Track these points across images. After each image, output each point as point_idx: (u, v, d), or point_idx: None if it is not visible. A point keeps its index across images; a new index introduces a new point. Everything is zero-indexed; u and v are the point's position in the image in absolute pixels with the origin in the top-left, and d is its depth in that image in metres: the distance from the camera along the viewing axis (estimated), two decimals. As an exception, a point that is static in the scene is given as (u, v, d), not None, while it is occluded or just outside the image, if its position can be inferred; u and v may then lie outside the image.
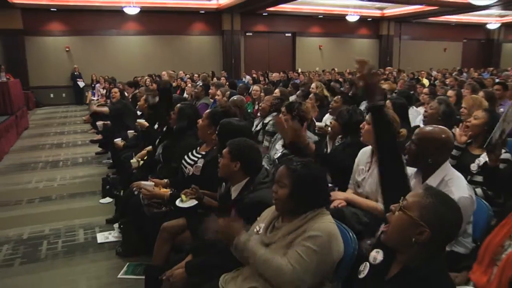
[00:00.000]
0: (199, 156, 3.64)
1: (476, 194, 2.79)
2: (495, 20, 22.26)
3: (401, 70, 16.51)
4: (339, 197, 3.02)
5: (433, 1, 15.42)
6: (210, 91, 7.72)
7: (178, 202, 3.19)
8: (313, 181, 2.22)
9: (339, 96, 5.85)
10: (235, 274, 2.34)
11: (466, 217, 2.46)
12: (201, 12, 18.18)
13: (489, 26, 23.30)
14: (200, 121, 3.78)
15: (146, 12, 17.19)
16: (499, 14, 21.24)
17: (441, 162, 2.60)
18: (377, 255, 1.83)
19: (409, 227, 1.64)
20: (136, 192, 3.73)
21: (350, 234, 2.40)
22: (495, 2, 12.87)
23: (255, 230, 2.40)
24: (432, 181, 2.56)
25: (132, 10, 16.19)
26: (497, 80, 10.68)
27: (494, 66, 22.14)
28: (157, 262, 3.26)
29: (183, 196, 3.19)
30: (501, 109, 5.79)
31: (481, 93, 5.71)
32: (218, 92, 6.91)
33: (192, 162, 3.61)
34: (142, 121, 5.61)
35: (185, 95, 9.61)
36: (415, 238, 1.63)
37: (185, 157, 3.73)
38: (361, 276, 1.84)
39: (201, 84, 8.69)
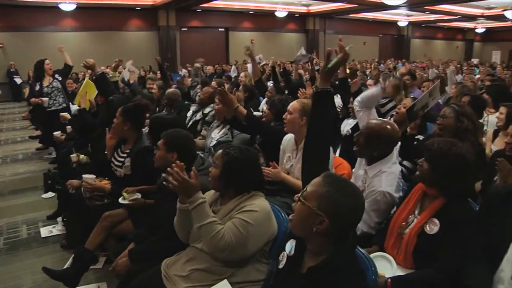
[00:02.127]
0: (124, 155, 3.52)
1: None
2: (404, 18, 23.32)
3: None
4: (270, 176, 2.99)
5: (352, -1, 15.90)
6: (148, 84, 7.53)
7: (121, 200, 3.12)
8: (242, 164, 2.23)
9: (273, 86, 5.95)
10: (177, 257, 2.32)
11: (386, 208, 2.56)
12: (137, 8, 17.68)
13: (399, 24, 24.42)
14: (114, 120, 3.60)
15: (82, 9, 16.43)
16: (407, 13, 22.26)
17: (384, 155, 2.68)
18: (291, 246, 1.78)
19: (309, 217, 1.57)
20: (71, 191, 3.60)
21: (282, 214, 2.41)
22: (403, 3, 13.53)
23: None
24: (371, 170, 2.65)
25: (68, 7, 15.41)
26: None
27: (405, 58, 23.27)
28: (89, 247, 3.16)
29: (124, 194, 3.12)
30: (412, 95, 6.08)
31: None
32: (154, 86, 6.75)
33: (120, 164, 3.50)
34: (64, 114, 5.38)
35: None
36: (316, 228, 1.56)
37: (112, 159, 3.60)
38: (280, 266, 1.80)
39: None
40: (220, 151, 2.32)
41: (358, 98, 3.15)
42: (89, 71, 5.29)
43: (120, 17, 17.87)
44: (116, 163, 3.56)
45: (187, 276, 2.18)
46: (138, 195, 3.14)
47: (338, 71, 3.55)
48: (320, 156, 1.99)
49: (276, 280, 1.88)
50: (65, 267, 3.32)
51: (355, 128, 3.78)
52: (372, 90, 3.16)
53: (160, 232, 2.62)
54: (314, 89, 2.06)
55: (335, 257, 1.59)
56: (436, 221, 2.14)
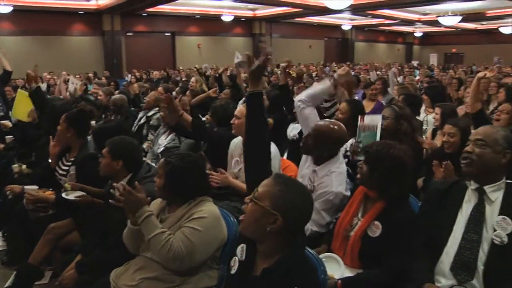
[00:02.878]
0: (69, 164, 3.41)
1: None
2: (348, 22, 23.99)
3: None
4: (216, 181, 3.00)
5: (297, 3, 16.12)
6: (92, 90, 7.30)
7: (64, 195, 2.98)
8: (185, 171, 2.22)
9: (229, 90, 5.96)
10: (126, 267, 2.28)
11: (338, 207, 2.62)
12: (80, 12, 17.07)
13: (343, 27, 25.10)
14: (58, 127, 3.50)
15: (20, 12, 15.59)
16: (350, 18, 22.92)
17: (333, 154, 2.73)
18: (242, 251, 1.77)
19: (263, 217, 1.59)
20: (10, 196, 3.43)
21: (231, 218, 2.43)
22: (346, 8, 13.90)
23: (143, 224, 2.34)
24: (321, 171, 2.69)
25: (3, 9, 14.65)
26: (352, 73, 11.50)
27: (350, 61, 23.97)
28: (33, 261, 3.02)
29: (66, 185, 3.00)
30: (356, 97, 6.26)
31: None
32: (100, 92, 6.58)
33: (65, 172, 3.39)
34: (5, 122, 5.15)
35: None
36: (270, 227, 1.59)
37: (56, 168, 3.48)
38: (232, 272, 1.79)
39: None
40: (162, 160, 2.31)
41: (303, 95, 3.16)
42: (27, 81, 5.06)
43: (62, 21, 17.16)
44: (61, 172, 3.44)
45: (137, 285, 2.15)
46: (85, 193, 3.01)
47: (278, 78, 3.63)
48: (261, 158, 2.00)
49: (228, 285, 1.88)
50: (6, 285, 3.14)
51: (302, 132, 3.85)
52: (321, 86, 3.17)
53: (107, 242, 2.56)
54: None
55: (288, 256, 1.62)
56: (378, 224, 2.20)
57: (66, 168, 3.41)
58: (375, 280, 2.14)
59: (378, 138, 3.02)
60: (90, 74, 12.01)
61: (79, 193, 3.00)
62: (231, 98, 6.10)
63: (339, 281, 2.12)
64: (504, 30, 22.09)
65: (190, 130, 3.44)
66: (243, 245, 1.77)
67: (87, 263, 2.55)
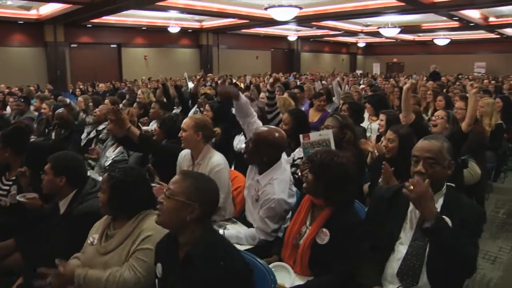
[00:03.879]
0: (10, 183, 3.26)
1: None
2: (294, 33, 24.41)
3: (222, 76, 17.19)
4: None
5: (244, 15, 16.23)
6: (34, 104, 6.98)
7: (18, 197, 2.87)
8: (129, 185, 2.18)
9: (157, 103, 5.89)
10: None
11: (282, 214, 2.66)
12: (19, 22, 16.32)
13: (289, 38, 25.49)
14: None
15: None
16: (296, 29, 23.33)
17: (273, 161, 2.74)
18: (158, 269, 1.92)
19: (181, 209, 1.77)
20: None
21: None
22: (291, 19, 14.15)
23: (89, 241, 2.27)
24: (263, 179, 2.70)
25: None
26: (298, 83, 11.76)
27: (296, 71, 24.41)
28: None
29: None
30: (302, 108, 6.38)
31: (286, 94, 6.22)
32: (44, 105, 6.31)
33: (5, 192, 3.23)
34: None
35: (7, 109, 8.56)
36: (189, 217, 1.77)
37: None
38: (159, 275, 1.92)
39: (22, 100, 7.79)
40: (105, 175, 2.25)
41: (234, 112, 3.22)
42: None
43: (0, 31, 16.39)
44: (1, 192, 3.26)
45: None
46: (36, 195, 2.88)
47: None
48: None
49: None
50: None
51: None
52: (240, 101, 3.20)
53: (52, 264, 2.44)
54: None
55: (207, 236, 1.82)
56: (326, 231, 2.24)
57: (7, 187, 3.25)
58: (325, 286, 2.17)
59: None
60: (32, 88, 11.48)
61: (32, 194, 2.88)
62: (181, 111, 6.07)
63: None
64: (438, 42, 23.31)
65: (137, 143, 3.38)
66: (158, 264, 1.94)
67: (29, 287, 2.42)
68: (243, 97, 3.15)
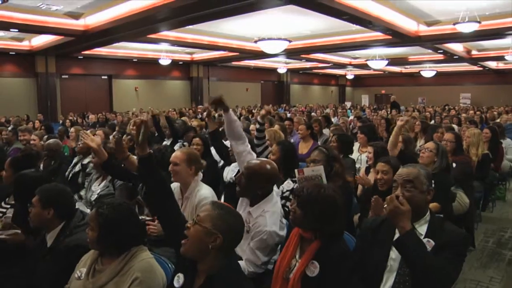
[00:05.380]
0: (8, 206, 3.25)
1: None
2: (283, 65, 24.76)
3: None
4: (154, 230, 2.93)
5: (234, 48, 16.48)
6: (21, 137, 6.87)
7: None
8: (119, 222, 2.14)
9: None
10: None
11: (273, 246, 2.65)
12: (11, 53, 16.39)
13: (279, 71, 25.85)
14: (3, 172, 3.37)
15: None
16: (285, 61, 23.70)
17: (266, 193, 2.73)
18: (179, 279, 1.99)
19: (205, 237, 1.85)
20: None
21: (169, 264, 2.45)
22: (281, 52, 14.38)
23: (76, 276, 2.22)
24: (255, 211, 2.70)
25: None
26: (288, 115, 11.86)
27: (286, 103, 24.67)
28: None
29: None
30: (292, 140, 6.41)
31: (276, 126, 6.25)
32: (34, 137, 6.26)
33: (1, 214, 3.20)
34: None
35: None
36: (211, 245, 1.84)
37: None
38: (178, 286, 1.96)
39: (11, 129, 7.74)
40: (93, 211, 2.21)
41: (226, 133, 3.25)
42: None
43: (-9, 61, 16.38)
44: None
45: None
46: (18, 231, 2.80)
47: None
48: (173, 211, 2.33)
49: None
50: None
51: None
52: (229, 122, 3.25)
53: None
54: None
55: (229, 263, 1.90)
56: (316, 263, 2.21)
57: (4, 210, 3.26)
58: None
59: None
60: (21, 118, 11.44)
61: (12, 231, 2.81)
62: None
63: None
64: (425, 73, 23.82)
65: (135, 173, 3.36)
66: (180, 274, 2.00)
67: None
68: (232, 114, 3.21)
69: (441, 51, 16.92)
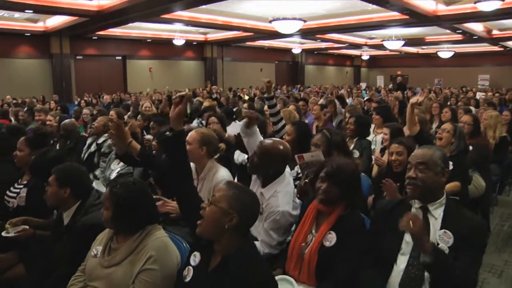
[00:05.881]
0: (21, 187, 3.30)
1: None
2: (298, 46, 24.49)
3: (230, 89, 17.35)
4: (172, 209, 2.94)
5: (248, 28, 16.35)
6: (36, 117, 6.96)
7: (4, 233, 2.79)
8: (132, 202, 2.17)
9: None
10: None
11: (286, 226, 2.65)
12: (26, 34, 16.50)
13: (294, 51, 25.57)
14: (17, 152, 3.41)
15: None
16: (300, 41, 23.44)
17: (278, 174, 2.73)
18: (195, 258, 2.00)
19: (221, 217, 1.84)
20: None
21: (184, 243, 2.44)
22: (295, 32, 14.23)
23: (92, 254, 2.27)
24: (267, 192, 2.70)
25: None
26: (302, 96, 11.79)
27: (300, 84, 24.48)
28: None
29: (7, 226, 2.82)
30: (306, 120, 6.38)
31: (291, 106, 6.22)
32: (49, 117, 6.33)
33: (15, 195, 3.25)
34: None
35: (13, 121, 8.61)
36: (227, 225, 1.84)
37: (7, 192, 3.34)
38: (187, 280, 1.96)
39: (26, 110, 7.82)
40: (107, 191, 2.24)
41: (242, 128, 3.21)
42: None
43: (7, 43, 16.37)
44: (11, 194, 3.31)
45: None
46: (26, 227, 2.84)
47: None
48: (191, 192, 2.29)
49: None
50: None
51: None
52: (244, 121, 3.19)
53: (55, 274, 2.43)
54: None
55: (245, 244, 1.89)
56: (333, 233, 2.28)
57: (17, 190, 3.30)
58: None
59: None
60: (35, 100, 11.47)
61: (21, 227, 2.83)
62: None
63: None
64: (442, 54, 23.34)
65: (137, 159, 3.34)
66: (196, 253, 2.01)
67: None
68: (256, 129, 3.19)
69: (460, 31, 16.52)
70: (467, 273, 1.99)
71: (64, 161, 2.92)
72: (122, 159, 3.29)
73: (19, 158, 3.43)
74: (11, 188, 3.35)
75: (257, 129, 3.21)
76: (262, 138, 3.17)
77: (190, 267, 1.99)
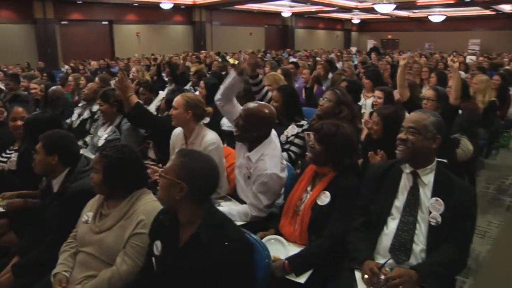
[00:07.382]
0: (12, 152, 3.33)
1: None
2: (287, 9, 24.13)
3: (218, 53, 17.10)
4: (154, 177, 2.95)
5: (237, -10, 16.07)
6: (22, 83, 6.82)
7: None
8: (123, 164, 2.17)
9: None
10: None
11: (275, 189, 2.68)
12: (6, -2, 15.95)
13: (283, 15, 25.21)
14: (10, 122, 3.40)
15: None
16: (290, 5, 23.08)
17: (263, 137, 2.74)
18: (157, 247, 1.94)
19: (171, 188, 1.80)
20: None
21: None
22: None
23: (83, 220, 2.28)
24: (254, 155, 2.71)
25: None
26: (291, 59, 11.69)
27: (290, 48, 24.23)
28: None
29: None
30: (296, 85, 6.35)
31: (279, 71, 6.17)
32: (32, 85, 6.22)
33: (6, 159, 3.27)
34: None
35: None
36: (178, 196, 1.79)
37: None
38: (157, 253, 1.93)
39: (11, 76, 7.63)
40: (97, 154, 2.24)
41: (219, 93, 3.16)
42: None
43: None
44: (2, 159, 3.36)
45: (80, 284, 2.08)
46: (11, 200, 2.88)
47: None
48: None
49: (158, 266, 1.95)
50: None
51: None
52: (228, 79, 3.11)
53: (46, 241, 2.45)
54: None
55: (211, 216, 1.85)
56: (327, 193, 2.37)
57: (8, 155, 3.34)
58: (319, 249, 2.26)
59: None
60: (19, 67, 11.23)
61: (6, 201, 2.87)
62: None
63: (286, 262, 2.22)
64: (433, 18, 23.15)
65: (130, 111, 3.39)
66: (157, 242, 1.94)
67: (24, 265, 2.42)
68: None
69: (452, -7, 16.38)
70: (463, 245, 2.08)
71: (60, 124, 2.92)
72: (128, 117, 3.32)
73: (12, 127, 3.41)
74: (3, 154, 3.38)
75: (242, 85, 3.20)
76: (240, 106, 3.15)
77: (158, 243, 1.94)
